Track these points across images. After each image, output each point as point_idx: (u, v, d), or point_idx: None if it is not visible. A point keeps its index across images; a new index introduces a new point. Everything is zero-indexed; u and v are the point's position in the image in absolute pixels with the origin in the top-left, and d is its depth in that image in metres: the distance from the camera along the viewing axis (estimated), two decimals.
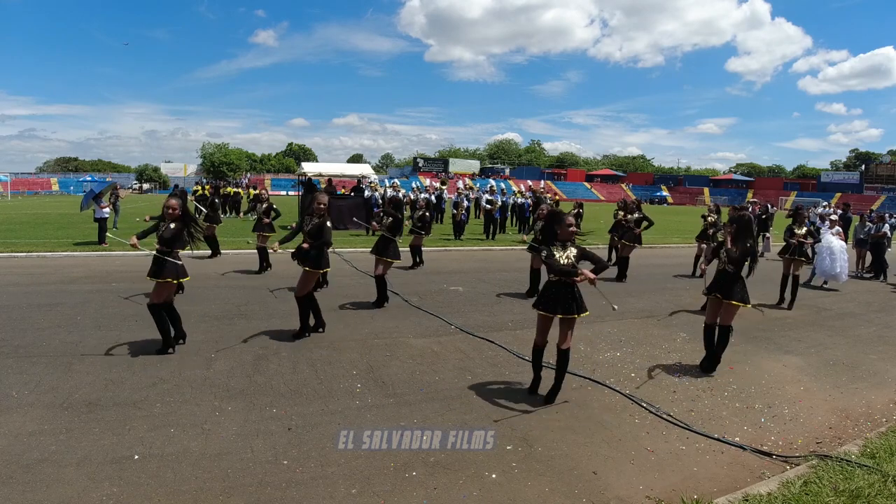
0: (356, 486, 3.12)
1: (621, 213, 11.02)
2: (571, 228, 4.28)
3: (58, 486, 2.99)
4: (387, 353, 5.45)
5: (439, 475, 3.27)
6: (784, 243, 8.73)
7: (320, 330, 5.98)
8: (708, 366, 5.24)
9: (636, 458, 3.57)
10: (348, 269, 10.28)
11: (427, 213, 10.04)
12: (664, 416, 4.21)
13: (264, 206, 9.63)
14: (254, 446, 3.51)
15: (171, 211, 5.09)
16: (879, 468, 3.33)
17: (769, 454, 3.67)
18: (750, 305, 5.28)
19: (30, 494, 2.90)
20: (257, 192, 11.58)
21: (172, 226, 5.08)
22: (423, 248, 10.66)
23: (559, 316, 4.26)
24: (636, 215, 10.43)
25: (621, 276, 10.07)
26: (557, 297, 4.25)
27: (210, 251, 10.88)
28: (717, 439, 3.85)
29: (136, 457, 3.31)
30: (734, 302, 5.07)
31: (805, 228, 8.66)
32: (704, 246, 10.41)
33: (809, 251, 8.75)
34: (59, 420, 3.75)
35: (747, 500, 3.03)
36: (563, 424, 4.02)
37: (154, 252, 5.05)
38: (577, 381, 4.80)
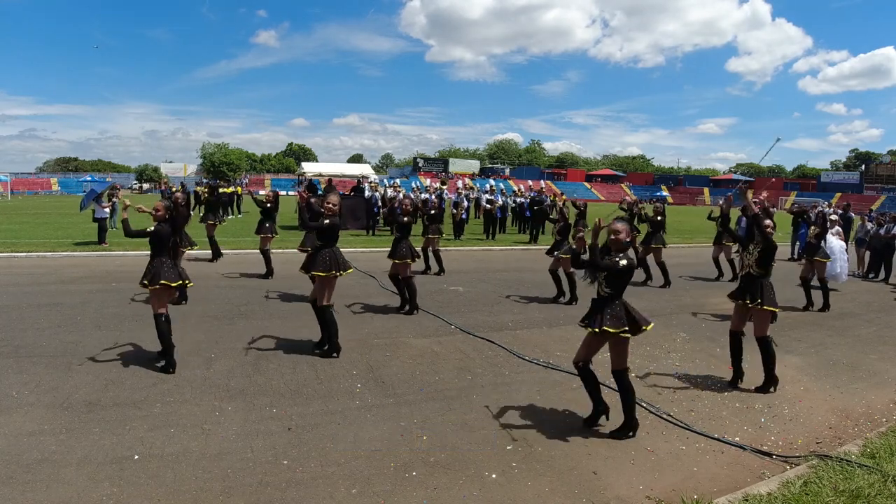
0: (356, 486, 3.12)
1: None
2: (620, 236, 3.83)
3: (58, 486, 2.99)
4: (387, 353, 5.45)
5: (439, 475, 3.27)
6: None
7: (334, 354, 5.38)
8: (765, 387, 4.78)
9: (636, 458, 3.57)
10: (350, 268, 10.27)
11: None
12: (664, 416, 4.21)
13: (268, 205, 9.55)
14: (254, 446, 3.51)
15: (156, 212, 4.89)
16: (879, 468, 3.33)
17: (769, 454, 3.67)
18: (778, 309, 4.91)
19: (30, 494, 2.90)
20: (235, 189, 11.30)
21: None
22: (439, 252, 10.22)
23: (588, 329, 3.85)
24: (659, 218, 10.31)
25: (667, 283, 9.80)
26: (593, 309, 3.88)
27: (211, 253, 10.80)
28: (717, 439, 3.85)
29: (136, 457, 3.31)
30: (766, 307, 4.69)
31: (816, 229, 8.74)
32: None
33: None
34: (59, 420, 3.75)
35: (747, 500, 3.02)
36: (563, 424, 4.02)
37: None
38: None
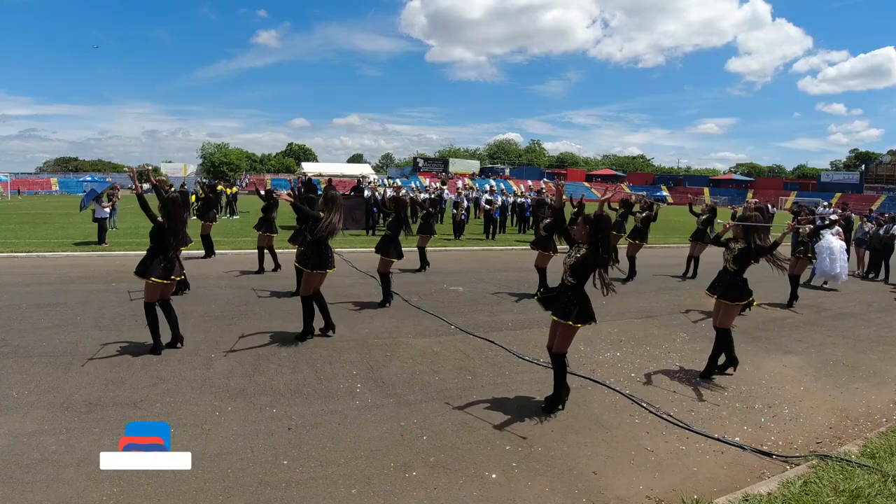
0: (356, 486, 3.12)
1: (621, 210, 11.10)
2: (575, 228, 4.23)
3: (58, 486, 2.99)
4: (387, 353, 5.45)
5: (439, 475, 3.27)
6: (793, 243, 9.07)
7: (330, 333, 5.94)
8: (705, 372, 5.12)
9: (636, 458, 3.57)
10: (348, 268, 10.29)
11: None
12: (664, 416, 4.21)
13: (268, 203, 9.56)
14: (254, 446, 3.51)
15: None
16: (879, 468, 3.33)
17: (769, 454, 3.68)
18: (747, 304, 5.14)
19: (30, 494, 2.90)
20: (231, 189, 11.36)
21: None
22: (425, 249, 10.53)
23: (553, 317, 4.16)
24: (644, 213, 10.45)
25: (631, 276, 10.07)
26: (556, 297, 4.18)
27: (204, 251, 10.79)
28: (717, 439, 3.85)
29: None
30: (726, 301, 4.99)
31: (809, 228, 8.81)
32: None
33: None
34: (59, 420, 3.75)
35: (747, 500, 3.03)
36: (563, 424, 4.02)
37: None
38: (577, 381, 4.80)
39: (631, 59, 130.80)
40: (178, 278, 5.23)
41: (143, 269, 5.01)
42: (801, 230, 8.82)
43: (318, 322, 5.94)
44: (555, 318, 4.12)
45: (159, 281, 4.96)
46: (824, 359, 5.88)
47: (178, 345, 5.26)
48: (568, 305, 4.04)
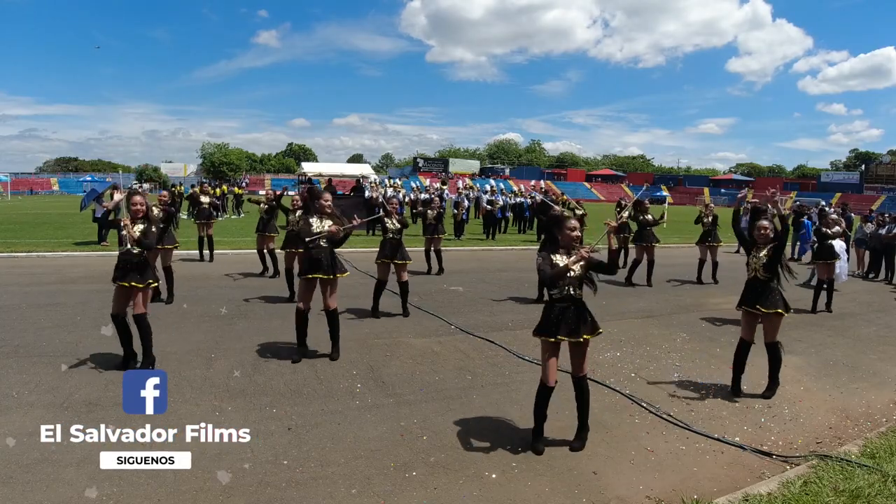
0: (356, 487, 3.12)
1: (624, 213, 11.07)
2: (575, 233, 3.62)
3: (58, 486, 2.99)
4: (387, 353, 5.45)
5: (439, 475, 3.27)
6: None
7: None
8: (768, 392, 4.72)
9: (636, 458, 3.57)
10: (347, 268, 10.28)
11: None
12: (664, 416, 4.21)
13: (265, 206, 9.51)
14: (254, 446, 3.51)
15: (136, 208, 4.89)
16: (879, 468, 3.33)
17: (769, 454, 3.67)
18: (791, 311, 4.86)
19: (30, 494, 2.90)
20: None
21: (141, 226, 4.90)
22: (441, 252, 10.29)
23: (564, 340, 3.57)
24: (649, 216, 10.38)
25: (649, 280, 9.89)
26: (560, 318, 3.57)
27: (199, 253, 10.74)
28: (717, 439, 3.85)
29: None
30: (779, 311, 4.62)
31: (835, 229, 8.61)
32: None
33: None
34: (59, 420, 3.74)
35: (747, 500, 3.02)
36: (563, 424, 4.01)
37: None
38: None
39: (631, 59, 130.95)
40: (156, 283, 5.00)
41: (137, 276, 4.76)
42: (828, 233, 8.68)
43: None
44: (571, 339, 3.57)
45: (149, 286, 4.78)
46: (824, 359, 5.88)
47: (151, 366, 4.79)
48: (582, 320, 3.59)
